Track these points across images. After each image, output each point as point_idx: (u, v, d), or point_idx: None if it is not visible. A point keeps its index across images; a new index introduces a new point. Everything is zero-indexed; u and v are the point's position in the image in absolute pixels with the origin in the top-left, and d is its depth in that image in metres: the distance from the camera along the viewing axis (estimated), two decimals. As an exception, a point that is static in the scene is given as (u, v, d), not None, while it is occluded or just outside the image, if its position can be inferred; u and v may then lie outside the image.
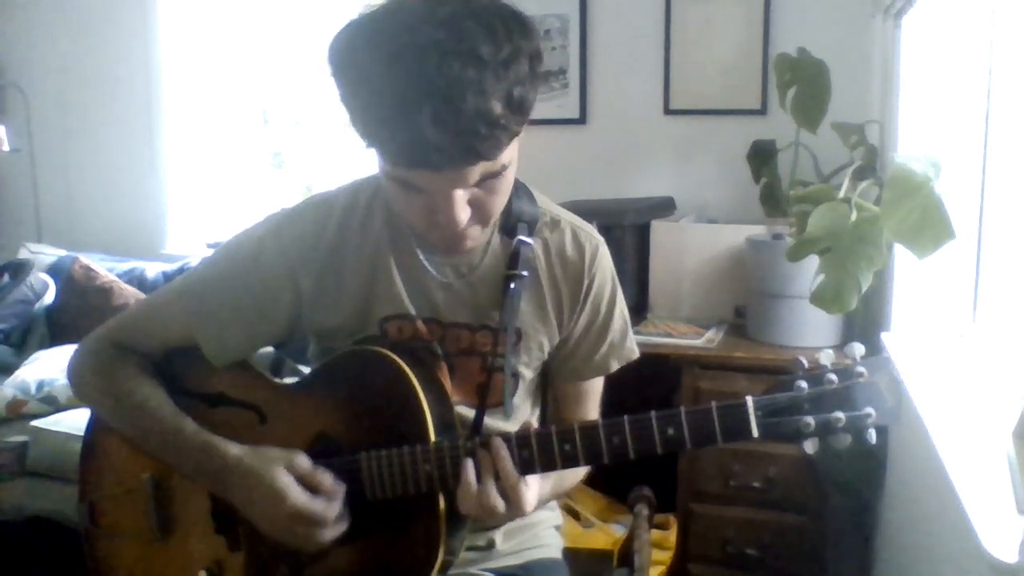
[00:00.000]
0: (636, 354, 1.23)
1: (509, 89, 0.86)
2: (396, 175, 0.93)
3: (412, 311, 1.12)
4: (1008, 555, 0.92)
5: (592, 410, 1.25)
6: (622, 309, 1.21)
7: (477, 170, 0.91)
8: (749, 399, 0.95)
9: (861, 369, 0.95)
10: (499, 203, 0.99)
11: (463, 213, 0.94)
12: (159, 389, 1.14)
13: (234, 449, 1.06)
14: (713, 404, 0.96)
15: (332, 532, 1.03)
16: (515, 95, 0.87)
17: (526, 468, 1.00)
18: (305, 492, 1.02)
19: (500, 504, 0.99)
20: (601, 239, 1.19)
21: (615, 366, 1.22)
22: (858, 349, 0.96)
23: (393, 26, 0.87)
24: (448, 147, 0.85)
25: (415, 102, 0.83)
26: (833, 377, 0.95)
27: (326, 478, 1.03)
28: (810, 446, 0.95)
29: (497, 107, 0.86)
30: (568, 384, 1.23)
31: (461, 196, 0.93)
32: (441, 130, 0.84)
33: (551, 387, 1.25)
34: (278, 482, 1.02)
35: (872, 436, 0.94)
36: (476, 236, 1.02)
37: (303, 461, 1.04)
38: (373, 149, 0.92)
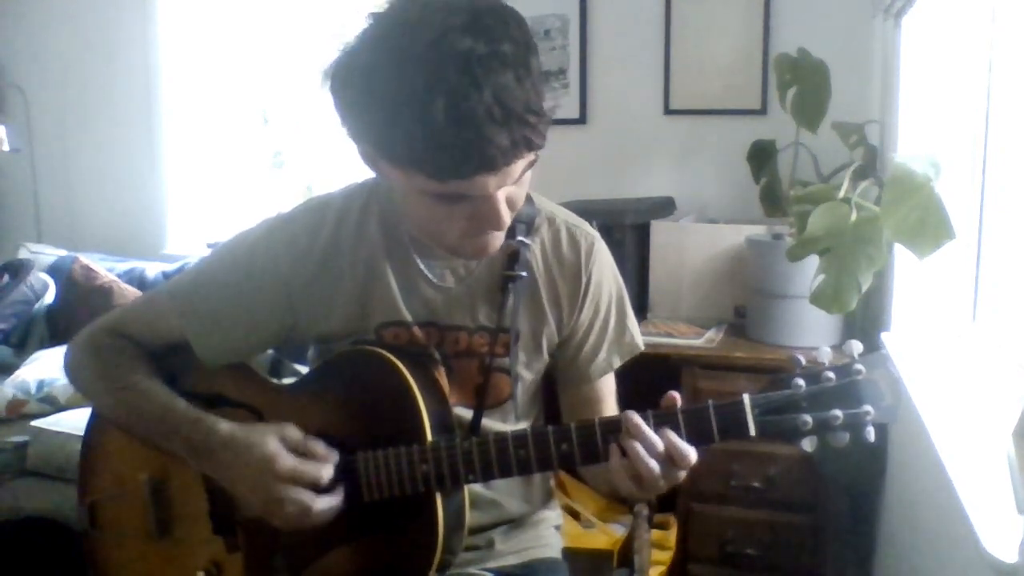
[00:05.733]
0: (640, 348, 1.23)
1: (536, 80, 0.90)
2: (444, 190, 0.92)
3: (408, 318, 1.11)
4: (1008, 555, 0.92)
5: (612, 410, 1.23)
6: (623, 304, 1.21)
7: (521, 164, 0.92)
8: (746, 397, 0.94)
9: (859, 366, 0.93)
10: (523, 198, 1.00)
11: (508, 212, 0.96)
12: (153, 373, 1.14)
13: (225, 424, 1.06)
14: (710, 402, 0.95)
15: (324, 503, 1.02)
16: (539, 86, 0.91)
17: (522, 468, 1.01)
18: (295, 456, 1.02)
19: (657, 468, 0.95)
20: (597, 235, 1.19)
21: (617, 362, 1.21)
22: (856, 346, 0.95)
23: (417, 44, 0.86)
24: (507, 144, 0.88)
25: (470, 111, 0.84)
26: (831, 375, 0.94)
27: (318, 445, 1.03)
28: (808, 444, 0.94)
29: (535, 98, 0.89)
30: (580, 388, 1.21)
31: (502, 195, 0.94)
32: (498, 129, 0.86)
33: (564, 397, 1.23)
34: (268, 448, 1.01)
35: (871, 434, 0.93)
36: (502, 237, 1.02)
37: (294, 431, 1.04)
38: (411, 173, 0.91)
